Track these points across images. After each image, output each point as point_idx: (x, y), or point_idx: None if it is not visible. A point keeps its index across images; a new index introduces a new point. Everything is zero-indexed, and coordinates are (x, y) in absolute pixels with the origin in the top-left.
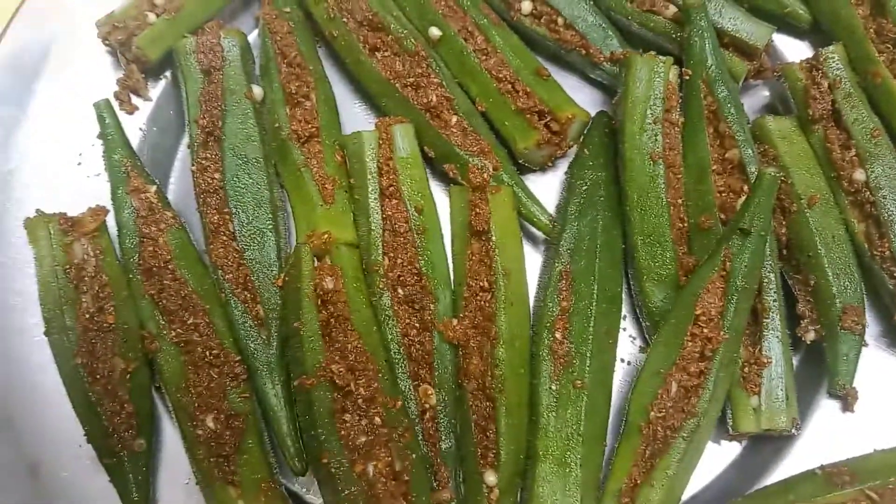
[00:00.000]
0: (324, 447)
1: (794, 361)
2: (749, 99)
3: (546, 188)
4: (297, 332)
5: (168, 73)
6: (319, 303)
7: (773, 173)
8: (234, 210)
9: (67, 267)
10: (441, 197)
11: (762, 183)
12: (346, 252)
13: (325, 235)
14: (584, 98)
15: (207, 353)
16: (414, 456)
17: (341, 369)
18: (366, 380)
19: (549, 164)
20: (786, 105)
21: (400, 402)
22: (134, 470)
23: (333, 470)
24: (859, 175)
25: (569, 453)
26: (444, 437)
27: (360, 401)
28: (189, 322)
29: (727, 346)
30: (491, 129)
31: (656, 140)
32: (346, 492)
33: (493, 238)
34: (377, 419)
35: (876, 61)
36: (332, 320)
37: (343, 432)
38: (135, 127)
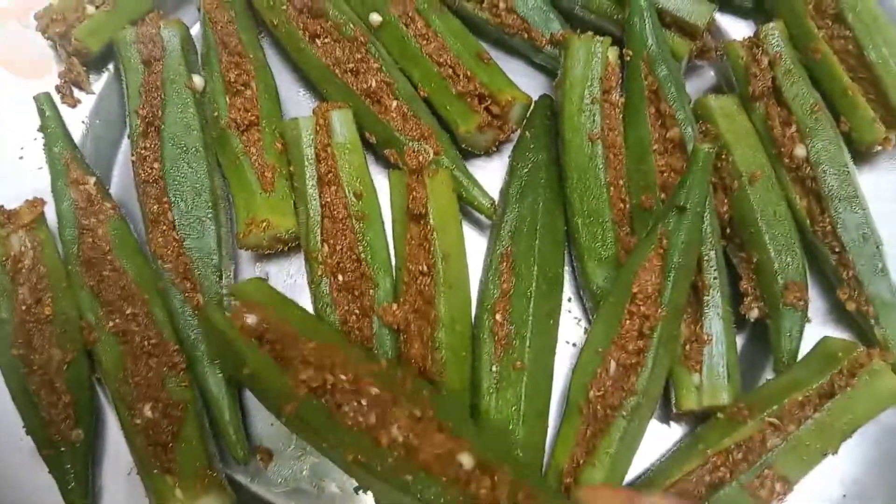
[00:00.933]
0: (348, 450)
1: (740, 340)
2: (696, 80)
3: (492, 173)
4: (252, 376)
5: (111, 66)
6: (255, 340)
7: (707, 148)
8: (173, 199)
9: (4, 259)
10: (384, 182)
11: (697, 158)
12: (252, 284)
13: (264, 223)
14: (529, 83)
15: (146, 342)
16: (426, 392)
17: (310, 373)
18: (339, 364)
19: (494, 148)
20: (731, 85)
21: (384, 361)
22: (72, 460)
23: (368, 461)
24: (800, 151)
25: (510, 435)
26: None
27: (347, 386)
28: (128, 312)
29: (666, 323)
30: (434, 115)
31: (595, 121)
32: (389, 467)
33: (432, 221)
34: (373, 389)
35: (815, 37)
36: (276, 346)
37: (352, 423)
38: (78, 120)
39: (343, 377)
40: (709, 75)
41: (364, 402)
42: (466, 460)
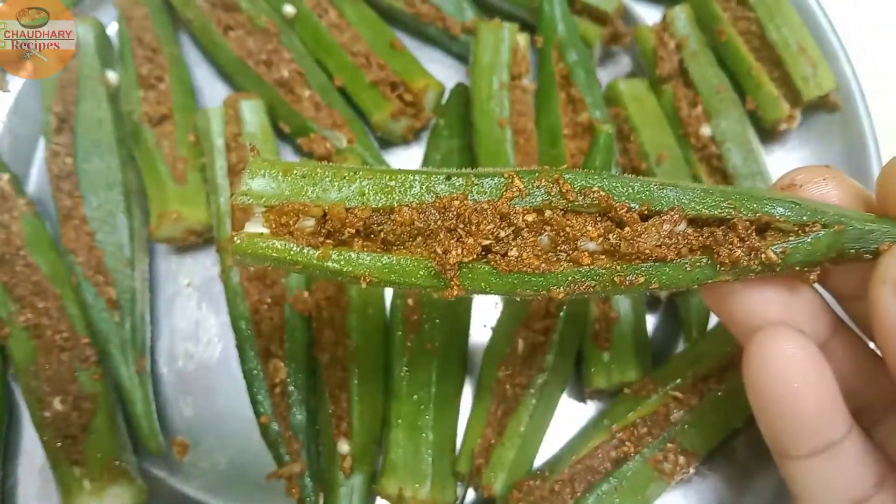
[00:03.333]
0: (551, 291)
1: (653, 318)
2: (612, 67)
3: (411, 161)
4: None
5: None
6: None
7: (607, 130)
8: (84, 193)
9: None
10: None
11: (598, 141)
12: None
13: (174, 215)
14: (447, 71)
15: (57, 336)
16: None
17: (459, 251)
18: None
19: (411, 136)
20: (644, 70)
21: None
22: None
23: (585, 289)
24: (705, 130)
25: (420, 417)
26: (295, 410)
27: (501, 233)
28: (40, 307)
29: (572, 301)
30: (350, 104)
31: (503, 106)
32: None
33: None
34: (528, 217)
35: (721, 19)
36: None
37: (534, 266)
38: None
39: (490, 224)
40: (625, 61)
41: (533, 235)
42: (683, 226)
